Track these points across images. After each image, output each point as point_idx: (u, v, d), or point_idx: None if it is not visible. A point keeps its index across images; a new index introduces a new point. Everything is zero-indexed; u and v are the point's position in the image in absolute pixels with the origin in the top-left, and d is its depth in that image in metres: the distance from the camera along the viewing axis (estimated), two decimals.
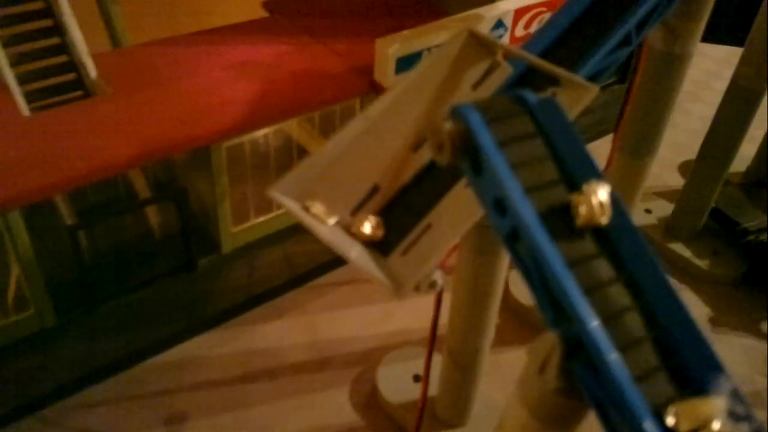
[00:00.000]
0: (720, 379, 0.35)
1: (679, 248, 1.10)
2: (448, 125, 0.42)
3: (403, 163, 0.58)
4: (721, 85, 1.63)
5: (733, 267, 1.07)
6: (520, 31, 1.15)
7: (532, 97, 0.44)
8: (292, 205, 0.51)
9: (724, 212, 1.09)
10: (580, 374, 0.39)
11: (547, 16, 1.16)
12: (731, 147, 1.00)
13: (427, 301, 0.66)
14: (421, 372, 0.89)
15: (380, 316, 0.99)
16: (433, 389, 0.82)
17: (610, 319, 0.38)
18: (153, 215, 1.02)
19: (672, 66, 0.72)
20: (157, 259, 0.99)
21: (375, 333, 0.96)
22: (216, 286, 1.00)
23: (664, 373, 0.37)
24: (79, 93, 0.97)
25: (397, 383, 0.88)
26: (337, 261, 1.07)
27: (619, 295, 0.39)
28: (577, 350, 0.39)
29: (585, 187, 0.40)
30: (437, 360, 0.79)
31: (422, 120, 0.58)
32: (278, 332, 0.96)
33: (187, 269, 1.00)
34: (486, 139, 0.41)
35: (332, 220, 0.50)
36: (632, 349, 0.37)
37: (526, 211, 0.39)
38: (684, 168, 1.32)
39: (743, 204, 1.11)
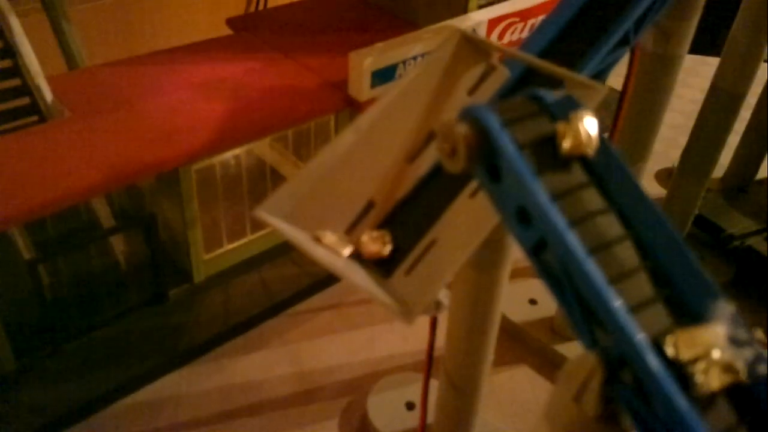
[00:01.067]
0: (718, 306, 0.34)
1: None
2: (461, 128, 0.38)
3: (399, 176, 0.54)
4: (690, 93, 1.65)
5: (721, 273, 1.05)
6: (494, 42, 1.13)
7: (548, 95, 0.41)
8: (284, 228, 0.46)
9: (708, 219, 1.08)
10: (625, 399, 0.35)
11: (519, 25, 1.15)
12: (713, 153, 0.99)
13: (416, 321, 0.62)
14: (414, 399, 0.84)
15: (366, 341, 0.94)
16: (429, 416, 0.77)
17: (602, 250, 0.36)
18: (118, 245, 0.96)
19: (664, 67, 0.70)
20: (124, 292, 0.93)
21: (362, 359, 0.91)
22: (189, 318, 0.94)
23: (661, 303, 0.35)
24: (34, 118, 0.91)
25: (389, 412, 0.83)
26: (318, 285, 1.02)
27: (610, 227, 0.37)
28: (620, 371, 0.35)
29: (572, 116, 0.38)
30: (432, 385, 0.74)
31: (417, 129, 0.55)
32: (259, 364, 0.90)
33: (158, 301, 0.94)
34: (506, 142, 0.37)
35: (347, 251, 0.46)
36: (627, 280, 0.35)
37: (558, 220, 0.36)
38: (661, 176, 1.32)
39: (726, 210, 1.10)
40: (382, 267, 0.49)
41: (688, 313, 0.34)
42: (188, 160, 0.86)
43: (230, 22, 1.16)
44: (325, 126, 1.04)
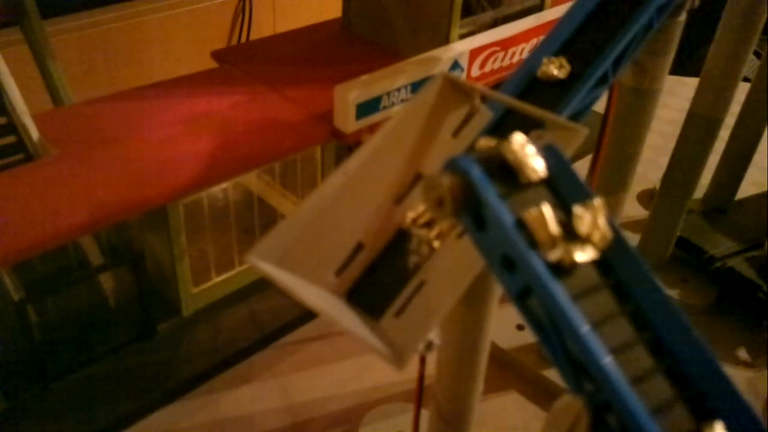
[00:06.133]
0: None
1: None
2: (446, 179, 0.39)
3: (387, 217, 0.55)
4: (668, 114, 1.68)
5: (704, 294, 1.07)
6: (475, 71, 1.14)
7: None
8: (275, 273, 0.47)
9: (690, 240, 1.10)
10: None
11: (500, 54, 1.17)
12: (693, 177, 1.01)
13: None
14: (405, 429, 0.85)
15: (356, 372, 0.94)
16: None
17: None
18: (107, 281, 0.95)
19: (643, 101, 0.72)
20: (113, 329, 0.93)
21: (352, 390, 0.92)
22: (179, 353, 0.94)
23: None
24: (20, 156, 0.91)
25: None
26: (306, 316, 1.02)
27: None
28: (606, 415, 0.36)
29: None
30: (423, 415, 0.75)
31: (403, 171, 0.56)
32: (249, 398, 0.90)
33: (147, 336, 0.94)
34: (490, 193, 0.38)
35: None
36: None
37: (540, 268, 0.37)
38: (642, 197, 1.34)
39: (707, 231, 1.12)
40: (370, 309, 0.50)
41: None
42: (176, 196, 0.86)
43: (215, 54, 1.17)
44: (312, 157, 1.05)
